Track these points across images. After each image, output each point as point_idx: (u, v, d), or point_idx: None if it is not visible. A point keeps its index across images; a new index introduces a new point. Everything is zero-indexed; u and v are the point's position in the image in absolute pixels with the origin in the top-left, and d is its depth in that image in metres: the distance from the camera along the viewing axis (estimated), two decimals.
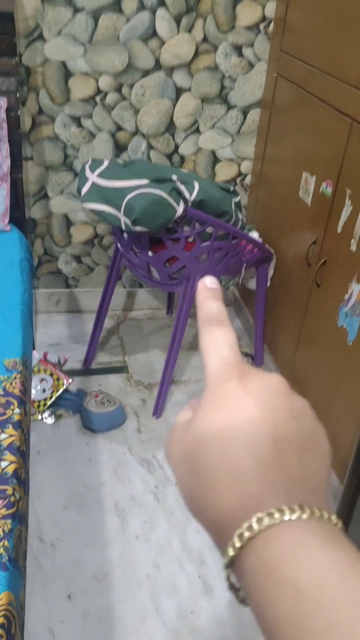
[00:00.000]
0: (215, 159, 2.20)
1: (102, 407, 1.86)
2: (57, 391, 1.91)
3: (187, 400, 2.02)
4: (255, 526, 0.25)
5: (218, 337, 0.32)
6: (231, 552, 0.25)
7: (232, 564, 0.26)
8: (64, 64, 1.93)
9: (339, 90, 1.56)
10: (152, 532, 1.53)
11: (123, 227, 1.53)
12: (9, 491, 0.94)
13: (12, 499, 0.93)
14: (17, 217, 1.82)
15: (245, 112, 2.13)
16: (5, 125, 1.68)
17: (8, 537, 0.86)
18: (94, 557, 1.46)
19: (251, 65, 2.04)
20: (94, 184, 1.57)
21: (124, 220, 1.52)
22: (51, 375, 1.95)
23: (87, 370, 2.13)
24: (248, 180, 2.27)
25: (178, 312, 1.82)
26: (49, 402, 1.88)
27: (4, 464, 0.99)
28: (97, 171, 1.60)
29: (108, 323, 2.37)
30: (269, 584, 0.24)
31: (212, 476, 0.27)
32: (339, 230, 1.57)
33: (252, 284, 2.06)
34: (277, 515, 0.25)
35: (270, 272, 1.97)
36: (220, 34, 1.97)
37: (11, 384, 1.17)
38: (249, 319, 2.34)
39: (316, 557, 0.23)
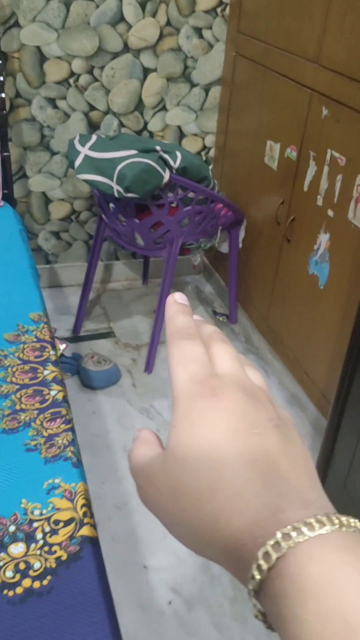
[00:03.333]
0: (181, 134, 2.37)
1: (99, 365, 2.02)
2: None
3: None
4: (284, 543, 0.23)
5: (186, 352, 0.31)
6: (258, 576, 0.23)
7: (259, 589, 0.23)
8: (38, 49, 2.05)
9: (297, 65, 1.76)
10: None
11: (116, 194, 1.69)
12: (63, 412, 1.10)
13: (67, 417, 1.09)
14: (7, 194, 1.94)
15: (207, 90, 2.31)
16: None
17: (72, 444, 1.03)
18: (112, 491, 1.63)
19: (211, 46, 2.23)
20: (86, 157, 1.72)
21: (116, 188, 1.68)
22: None
23: (77, 337, 2.28)
24: (212, 153, 2.46)
25: (163, 275, 2.00)
26: None
27: (53, 392, 1.15)
28: (88, 145, 1.75)
29: (90, 295, 2.52)
30: (311, 615, 0.21)
31: (216, 499, 0.25)
32: (305, 189, 1.78)
33: (224, 247, 2.25)
34: (304, 529, 0.23)
35: (242, 235, 2.17)
36: (182, 18, 2.14)
37: (41, 332, 1.32)
38: (220, 282, 2.54)
39: (358, 581, 0.21)
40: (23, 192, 2.32)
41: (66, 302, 2.48)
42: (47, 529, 0.87)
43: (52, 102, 2.16)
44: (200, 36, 2.20)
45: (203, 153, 2.44)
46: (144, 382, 2.06)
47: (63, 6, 2.00)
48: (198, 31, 2.18)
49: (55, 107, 2.17)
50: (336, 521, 0.23)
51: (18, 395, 1.13)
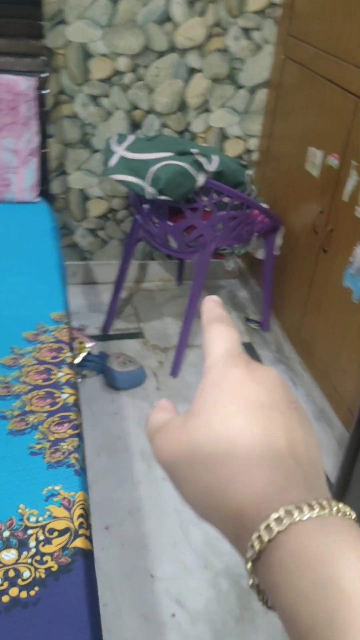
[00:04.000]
0: (224, 137, 2.33)
1: (124, 366, 2.01)
2: (81, 353, 2.06)
3: (200, 362, 2.18)
4: (285, 519, 0.24)
5: (222, 332, 0.32)
6: (257, 546, 0.24)
7: (257, 559, 0.25)
8: (84, 46, 2.05)
9: (344, 71, 1.70)
10: None
11: (148, 196, 1.67)
12: (72, 416, 1.09)
13: (75, 422, 1.08)
14: (45, 190, 1.95)
15: (253, 92, 2.26)
16: (34, 104, 1.80)
17: (77, 451, 1.02)
18: (126, 495, 1.62)
19: (259, 48, 2.18)
20: (121, 157, 1.71)
21: (149, 190, 1.66)
22: (74, 338, 2.09)
23: (106, 336, 2.28)
24: (255, 156, 2.41)
25: (194, 279, 1.97)
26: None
27: (64, 395, 1.14)
28: (124, 145, 1.74)
29: (122, 294, 2.52)
30: (307, 583, 0.22)
31: (229, 466, 0.26)
32: (346, 199, 1.72)
33: (260, 254, 2.21)
34: (306, 509, 0.24)
35: (279, 242, 2.12)
36: (231, 18, 2.10)
37: (60, 332, 1.32)
38: (254, 288, 2.49)
39: (354, 556, 0.22)
40: (62, 188, 2.33)
41: (99, 299, 2.49)
42: (41, 537, 0.86)
43: (95, 99, 2.16)
44: (249, 37, 2.15)
45: (245, 157, 2.40)
46: (168, 386, 2.04)
47: (110, 3, 1.99)
48: (247, 32, 2.14)
49: (97, 104, 2.17)
50: (335, 507, 0.25)
51: (29, 396, 1.12)
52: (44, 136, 1.93)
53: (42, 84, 1.88)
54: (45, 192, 1.96)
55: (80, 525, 0.88)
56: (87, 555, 0.84)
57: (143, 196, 1.71)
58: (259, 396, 0.28)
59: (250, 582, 0.26)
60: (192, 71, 2.18)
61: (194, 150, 1.69)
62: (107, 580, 1.41)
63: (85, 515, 0.91)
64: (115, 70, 2.12)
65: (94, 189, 2.36)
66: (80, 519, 0.89)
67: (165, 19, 2.06)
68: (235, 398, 0.28)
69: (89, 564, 0.84)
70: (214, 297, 0.36)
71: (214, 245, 1.89)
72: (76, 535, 0.86)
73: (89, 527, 0.89)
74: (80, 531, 0.87)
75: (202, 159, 1.68)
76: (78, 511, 0.90)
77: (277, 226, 2.07)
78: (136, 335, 2.30)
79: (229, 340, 0.32)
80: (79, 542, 0.85)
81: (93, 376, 2.05)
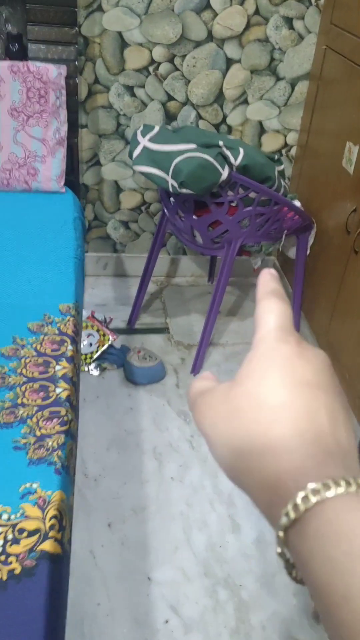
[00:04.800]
0: (261, 130, 2.26)
1: (144, 362, 1.97)
2: (103, 346, 2.04)
3: (223, 361, 2.13)
4: (323, 492, 0.24)
5: (275, 306, 0.32)
6: (293, 514, 0.25)
7: (289, 527, 0.25)
8: (120, 34, 2.02)
9: None
10: (186, 475, 1.65)
11: (170, 189, 1.62)
12: (62, 412, 1.06)
13: (65, 418, 1.05)
14: (71, 180, 1.94)
15: (293, 84, 2.18)
16: (64, 92, 1.79)
17: (61, 448, 0.99)
18: (133, 492, 1.59)
19: (301, 38, 2.09)
20: (145, 148, 1.67)
21: (171, 183, 1.61)
22: (98, 331, 2.08)
23: (130, 329, 2.25)
24: (293, 151, 2.32)
25: (219, 276, 1.91)
26: (95, 356, 2.01)
27: (58, 390, 1.11)
28: (148, 136, 1.70)
29: (152, 287, 2.49)
30: (342, 553, 0.23)
31: (270, 435, 0.27)
32: None
33: (292, 253, 2.12)
34: (343, 484, 0.24)
35: (311, 241, 2.04)
36: (272, 7, 2.02)
37: (65, 325, 1.29)
38: (287, 287, 2.41)
39: None
40: (95, 179, 2.31)
41: (128, 292, 2.46)
42: (10, 536, 0.83)
43: (130, 90, 2.13)
44: (291, 27, 2.06)
45: (284, 151, 2.31)
46: (188, 384, 2.00)
47: None
48: (289, 21, 2.05)
49: (132, 95, 2.14)
50: None
51: (23, 388, 1.10)
52: (74, 126, 1.92)
53: (73, 72, 1.86)
54: (71, 182, 1.94)
55: (52, 527, 0.85)
56: (55, 560, 0.81)
57: (166, 189, 1.67)
58: (306, 374, 0.28)
59: (279, 550, 0.26)
60: (230, 61, 2.11)
61: (220, 143, 1.63)
62: (103, 579, 1.38)
63: (60, 517, 0.88)
64: (151, 60, 2.08)
65: (128, 180, 2.33)
66: (53, 520, 0.86)
67: (204, 7, 2.00)
68: (282, 372, 0.28)
69: (56, 568, 0.81)
70: (272, 270, 0.35)
71: (240, 242, 1.83)
72: (45, 538, 0.83)
73: (61, 529, 0.86)
74: (51, 533, 0.84)
75: (227, 152, 1.62)
76: (52, 512, 0.87)
77: (309, 224, 1.98)
78: (161, 330, 2.26)
79: (282, 316, 0.32)
80: (47, 545, 0.82)
81: (113, 369, 2.03)
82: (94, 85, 2.11)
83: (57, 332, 1.27)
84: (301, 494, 0.25)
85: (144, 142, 1.68)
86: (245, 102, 2.19)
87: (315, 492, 0.24)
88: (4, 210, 1.72)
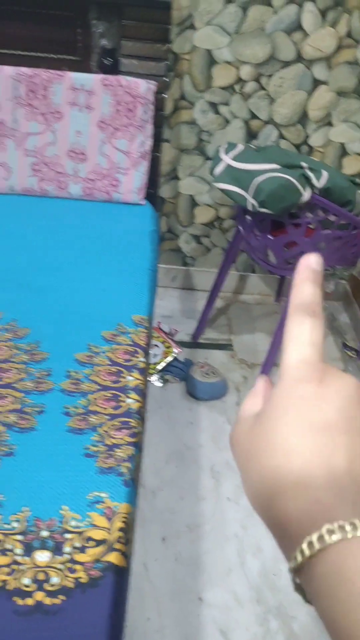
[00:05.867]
0: (343, 152, 2.22)
1: (207, 377, 1.97)
2: (166, 357, 2.05)
3: None
4: (327, 538, 0.25)
5: (305, 330, 0.31)
6: (299, 559, 0.26)
7: (300, 569, 0.26)
8: (209, 52, 2.04)
9: None
10: (243, 496, 1.63)
11: (249, 207, 1.62)
12: (132, 423, 1.07)
13: (135, 430, 1.06)
14: (151, 193, 1.96)
15: None
16: (152, 107, 1.82)
17: (131, 460, 1.00)
18: (188, 509, 1.58)
19: None
20: (227, 166, 1.68)
21: (251, 202, 1.61)
22: (163, 342, 2.09)
23: (195, 343, 2.25)
24: None
25: (289, 296, 1.88)
26: (158, 367, 2.03)
27: (129, 400, 1.12)
28: (232, 154, 1.71)
29: (218, 303, 2.48)
30: (346, 593, 0.24)
31: (280, 479, 0.27)
32: None
33: None
34: (348, 528, 0.25)
35: None
36: None
37: (137, 336, 1.31)
38: (357, 313, 2.35)
39: None
40: (172, 193, 2.34)
41: (194, 306, 2.47)
42: (78, 544, 0.84)
43: (214, 107, 2.14)
44: None
45: None
46: None
47: (240, 10, 1.96)
48: None
49: (216, 112, 2.15)
50: None
51: (95, 396, 1.12)
52: (158, 140, 1.95)
53: (162, 88, 1.89)
54: (150, 195, 1.97)
55: (119, 540, 0.85)
56: (120, 573, 0.82)
57: (245, 207, 1.67)
58: (325, 415, 0.28)
59: (294, 585, 0.28)
60: (317, 83, 2.09)
61: (303, 164, 1.62)
62: (154, 594, 1.38)
63: (126, 529, 0.88)
64: (237, 78, 2.09)
65: (204, 196, 2.34)
66: (120, 533, 0.86)
67: (295, 28, 1.99)
68: (298, 418, 0.28)
69: (119, 581, 0.81)
70: (313, 260, 0.33)
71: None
72: (112, 549, 0.84)
73: (127, 542, 0.87)
74: (117, 545, 0.84)
75: (310, 174, 1.60)
76: (118, 524, 0.87)
77: None
78: (225, 346, 2.25)
79: (309, 345, 0.30)
80: (113, 557, 0.83)
81: (175, 382, 2.03)
82: (180, 101, 2.14)
83: (130, 342, 1.28)
84: (307, 539, 0.25)
85: (226, 159, 1.69)
86: (329, 124, 2.17)
87: (320, 538, 0.25)
88: (85, 219, 1.76)
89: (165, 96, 1.90)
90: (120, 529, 0.87)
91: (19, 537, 0.83)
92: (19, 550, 0.81)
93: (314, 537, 0.25)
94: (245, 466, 0.30)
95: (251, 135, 2.19)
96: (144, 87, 1.78)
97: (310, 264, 0.33)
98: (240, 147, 1.76)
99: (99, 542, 0.84)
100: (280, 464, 0.27)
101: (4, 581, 0.78)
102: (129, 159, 1.84)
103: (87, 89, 1.76)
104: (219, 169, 1.70)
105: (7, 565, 0.80)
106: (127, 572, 0.84)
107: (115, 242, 1.66)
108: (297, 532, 0.26)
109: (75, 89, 1.76)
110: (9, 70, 1.70)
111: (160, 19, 1.86)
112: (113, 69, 1.87)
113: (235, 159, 1.68)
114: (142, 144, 1.85)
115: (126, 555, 0.85)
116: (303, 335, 0.31)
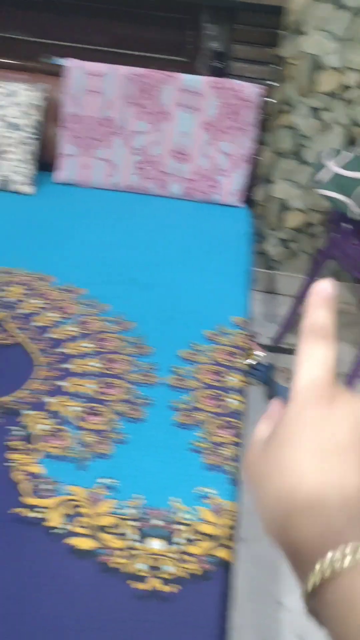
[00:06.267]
0: None
1: (289, 383, 1.97)
2: (248, 360, 2.06)
3: None
4: (338, 564, 0.25)
5: (317, 353, 0.31)
6: (311, 587, 0.26)
7: (312, 595, 0.26)
8: (316, 57, 2.03)
9: None
10: None
11: (351, 215, 1.61)
12: (235, 423, 1.09)
13: (239, 430, 1.08)
14: (249, 196, 1.98)
15: None
16: (257, 111, 1.83)
17: (235, 459, 1.02)
18: None
19: None
20: (335, 174, 1.67)
21: (354, 210, 1.59)
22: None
23: (275, 347, 2.25)
24: None
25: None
26: None
27: (230, 400, 1.14)
28: (338, 160, 1.69)
29: (300, 309, 2.47)
30: (355, 621, 0.24)
31: (293, 502, 0.27)
32: None
33: None
34: (358, 555, 0.25)
35: None
36: None
37: (237, 337, 1.33)
38: None
39: None
40: (263, 196, 2.34)
41: (276, 310, 2.47)
42: (190, 536, 0.87)
43: (315, 112, 2.13)
44: None
45: None
46: None
47: (352, 16, 1.94)
48: None
49: (317, 117, 2.14)
50: None
51: (199, 393, 1.15)
52: (259, 143, 1.96)
53: (269, 92, 1.90)
54: (247, 198, 1.98)
55: (229, 537, 0.87)
56: (229, 568, 0.84)
57: (345, 214, 1.65)
58: (335, 437, 0.28)
59: (306, 608, 0.28)
60: None
61: None
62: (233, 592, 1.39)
63: (234, 527, 0.90)
64: (342, 85, 2.07)
65: (296, 200, 2.33)
66: (229, 530, 0.89)
67: None
68: (309, 440, 0.28)
69: (228, 576, 0.83)
70: (325, 286, 0.33)
71: None
72: (222, 545, 0.86)
73: (233, 539, 0.89)
74: (226, 542, 0.87)
75: None
76: (227, 521, 0.90)
77: None
78: None
79: (320, 367, 0.30)
80: (224, 553, 0.85)
81: (256, 385, 2.04)
82: (281, 104, 2.14)
83: (229, 343, 1.30)
84: (318, 568, 0.25)
85: (332, 166, 1.68)
86: None
87: (330, 564, 0.25)
88: (184, 218, 1.80)
89: (273, 100, 1.91)
90: (230, 527, 0.89)
91: (133, 523, 0.86)
92: (135, 535, 0.84)
93: (326, 563, 0.25)
94: (259, 489, 0.29)
95: (350, 141, 2.16)
96: (253, 91, 1.80)
97: (323, 289, 0.33)
98: (349, 154, 1.75)
99: (210, 537, 0.87)
100: (293, 487, 0.27)
101: (120, 564, 0.81)
102: (230, 162, 1.86)
103: (196, 91, 1.79)
104: (322, 175, 1.70)
105: (122, 549, 0.83)
106: (233, 568, 0.86)
107: (214, 242, 1.69)
108: (310, 555, 0.26)
109: (184, 90, 1.79)
110: (124, 70, 1.75)
111: (271, 24, 1.87)
112: (220, 72, 1.90)
113: (344, 166, 1.67)
114: (245, 146, 1.86)
115: (234, 551, 0.87)
116: (314, 357, 0.31)
